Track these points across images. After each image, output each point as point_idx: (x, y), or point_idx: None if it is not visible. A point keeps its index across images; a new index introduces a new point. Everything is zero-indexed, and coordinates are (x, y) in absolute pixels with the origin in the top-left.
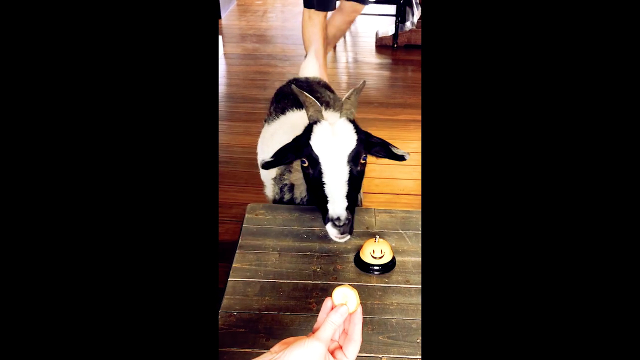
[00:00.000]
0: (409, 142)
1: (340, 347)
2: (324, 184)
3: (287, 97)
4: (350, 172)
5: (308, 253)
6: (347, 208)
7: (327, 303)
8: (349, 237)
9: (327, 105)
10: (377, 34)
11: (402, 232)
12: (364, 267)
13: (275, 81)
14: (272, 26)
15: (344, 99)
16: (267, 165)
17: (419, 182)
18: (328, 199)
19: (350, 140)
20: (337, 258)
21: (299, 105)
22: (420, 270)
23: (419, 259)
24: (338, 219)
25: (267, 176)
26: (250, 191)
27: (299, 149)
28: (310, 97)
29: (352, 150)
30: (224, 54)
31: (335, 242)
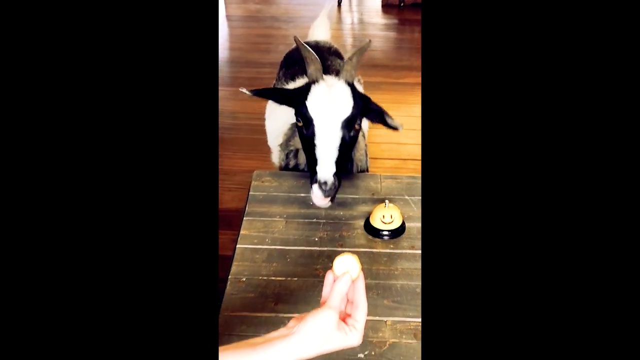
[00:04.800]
0: (414, 105)
1: (349, 315)
2: (315, 146)
3: (297, 63)
4: (343, 138)
5: (314, 220)
6: (335, 174)
7: (328, 276)
8: (330, 203)
9: (337, 75)
10: None
11: (408, 198)
12: (374, 232)
13: (280, 44)
14: None
15: (345, 59)
16: (255, 92)
17: None
18: (318, 161)
19: (346, 106)
20: (343, 225)
21: None
22: None
23: None
24: (325, 183)
25: (274, 142)
26: (254, 158)
27: (293, 102)
28: (313, 53)
29: (347, 117)
30: (226, 15)
31: (341, 209)
